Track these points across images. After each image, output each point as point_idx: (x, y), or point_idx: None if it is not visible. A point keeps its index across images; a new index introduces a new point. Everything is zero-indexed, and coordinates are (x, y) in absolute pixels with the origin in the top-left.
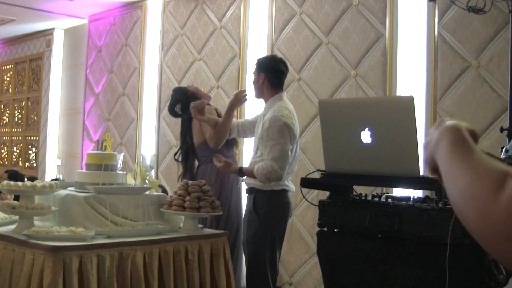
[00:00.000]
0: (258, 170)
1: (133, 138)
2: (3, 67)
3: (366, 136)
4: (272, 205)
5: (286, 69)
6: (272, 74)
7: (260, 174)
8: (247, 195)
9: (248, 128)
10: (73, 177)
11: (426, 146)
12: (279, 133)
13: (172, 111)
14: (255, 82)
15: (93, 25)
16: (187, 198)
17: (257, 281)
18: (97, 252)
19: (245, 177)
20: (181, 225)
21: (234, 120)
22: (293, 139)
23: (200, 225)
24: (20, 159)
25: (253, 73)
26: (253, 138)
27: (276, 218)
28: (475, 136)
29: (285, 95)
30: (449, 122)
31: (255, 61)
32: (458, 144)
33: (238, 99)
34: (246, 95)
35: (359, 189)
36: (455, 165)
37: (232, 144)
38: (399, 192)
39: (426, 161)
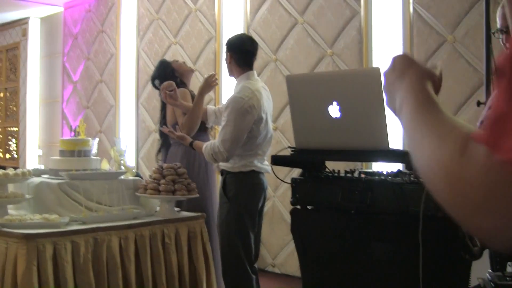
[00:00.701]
0: (206, 149)
1: (112, 125)
2: None
3: (334, 110)
4: (240, 187)
5: (254, 48)
6: (239, 53)
7: (207, 153)
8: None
9: (212, 114)
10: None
11: (386, 91)
12: (234, 114)
13: (153, 84)
14: (226, 61)
15: (68, 12)
16: (162, 181)
17: (232, 263)
18: (71, 238)
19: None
20: (157, 209)
21: (210, 107)
22: (254, 121)
23: (177, 208)
24: (1, 150)
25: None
26: None
27: (245, 199)
28: (438, 84)
29: (254, 74)
30: (412, 74)
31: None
32: (423, 106)
33: (208, 84)
34: (215, 79)
35: (334, 166)
36: (419, 130)
37: (207, 129)
38: (376, 167)
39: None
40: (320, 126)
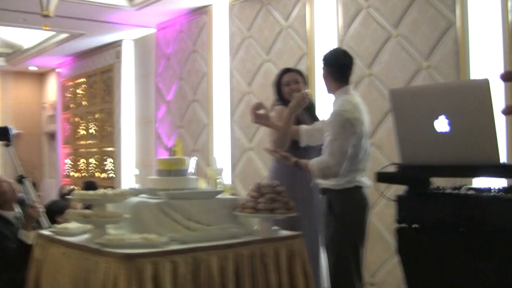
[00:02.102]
0: (313, 165)
1: (206, 144)
2: (76, 81)
3: (441, 125)
4: (347, 204)
5: (350, 62)
6: (335, 67)
7: (315, 169)
8: (320, 195)
9: (316, 132)
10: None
11: None
12: (339, 128)
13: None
14: (323, 77)
15: (160, 34)
16: (261, 199)
17: (344, 282)
18: (170, 258)
19: (318, 180)
20: (256, 228)
21: (303, 126)
22: (357, 135)
23: (275, 227)
24: (97, 170)
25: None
26: None
27: (353, 216)
28: None
29: (351, 88)
30: None
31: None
32: None
33: (298, 103)
34: (307, 98)
35: (437, 182)
36: None
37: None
38: (478, 183)
39: None
40: (426, 141)
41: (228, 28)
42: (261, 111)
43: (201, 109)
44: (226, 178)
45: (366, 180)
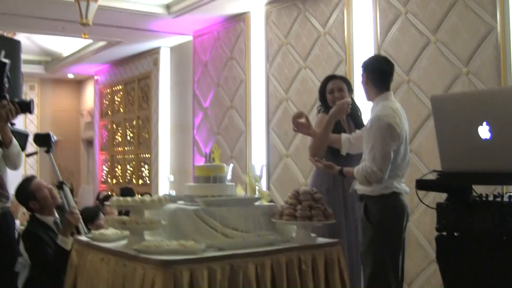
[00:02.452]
0: (357, 172)
1: (243, 150)
2: (114, 88)
3: (484, 131)
4: (384, 210)
5: (390, 68)
6: (375, 74)
7: (360, 175)
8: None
9: (357, 141)
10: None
11: None
12: (380, 134)
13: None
14: (362, 84)
15: (197, 41)
16: (299, 207)
17: None
18: (208, 265)
19: (356, 186)
20: (293, 235)
21: (344, 134)
22: (398, 140)
23: (313, 234)
24: (134, 176)
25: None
26: None
27: (391, 223)
28: None
29: (391, 94)
30: None
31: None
32: None
33: (339, 110)
34: (349, 105)
35: (478, 189)
36: None
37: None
38: None
39: None
40: (468, 148)
41: (265, 34)
42: (302, 120)
43: (238, 115)
44: (263, 185)
45: (404, 186)
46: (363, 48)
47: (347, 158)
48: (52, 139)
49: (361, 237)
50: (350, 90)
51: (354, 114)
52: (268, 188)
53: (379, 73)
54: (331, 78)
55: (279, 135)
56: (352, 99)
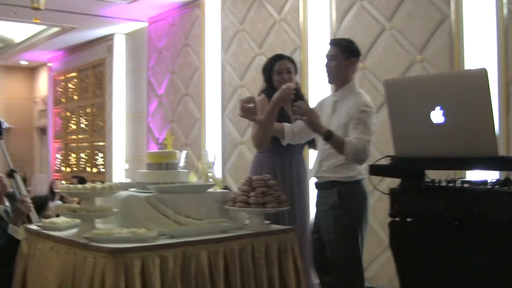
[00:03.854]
0: (349, 144)
1: (198, 138)
2: (67, 75)
3: (437, 116)
4: (359, 196)
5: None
6: (358, 59)
7: (352, 148)
8: (318, 190)
9: (303, 130)
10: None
11: None
12: (370, 119)
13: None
14: (342, 66)
15: (152, 27)
16: (252, 193)
17: (355, 280)
18: (159, 253)
19: (322, 173)
20: (247, 222)
21: (287, 124)
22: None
23: (267, 222)
24: (88, 165)
25: (333, 56)
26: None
27: (363, 208)
28: None
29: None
30: None
31: (334, 43)
32: None
33: (283, 96)
34: (294, 92)
35: (432, 175)
36: None
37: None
38: (473, 176)
39: None
40: (422, 132)
41: (221, 21)
42: (251, 105)
43: (193, 103)
44: (218, 173)
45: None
46: (318, 35)
47: (287, 149)
48: (3, 126)
49: (330, 224)
50: (296, 72)
51: (298, 100)
52: (223, 175)
53: (359, 58)
54: (278, 58)
55: (234, 122)
56: (297, 83)
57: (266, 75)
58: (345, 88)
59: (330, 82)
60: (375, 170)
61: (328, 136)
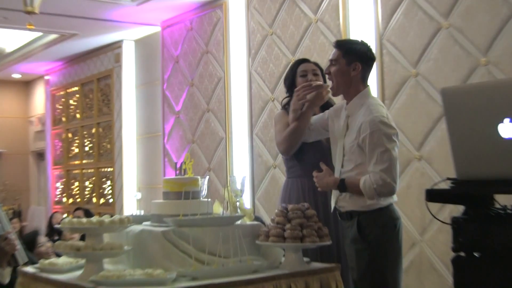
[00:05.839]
0: (365, 184)
1: (223, 161)
2: (68, 90)
3: (506, 129)
4: (382, 226)
5: (374, 57)
6: (367, 63)
7: (369, 189)
8: (341, 220)
9: (316, 129)
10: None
11: None
12: (386, 138)
13: None
14: (342, 74)
15: (167, 32)
16: (287, 226)
17: None
18: None
19: (340, 202)
20: (282, 260)
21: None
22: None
23: (306, 258)
24: (94, 194)
25: (333, 60)
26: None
27: (390, 239)
28: None
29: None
30: None
31: (337, 45)
32: None
33: (318, 96)
34: (329, 91)
35: (502, 200)
36: None
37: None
38: None
39: None
40: (488, 149)
41: (246, 23)
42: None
43: (216, 120)
44: (247, 202)
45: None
46: (362, 37)
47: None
48: None
49: (353, 261)
50: (324, 78)
51: (326, 105)
52: (253, 204)
53: (370, 62)
54: (302, 61)
55: (265, 142)
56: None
57: (289, 82)
58: (355, 100)
59: (333, 94)
60: (433, 195)
61: (342, 189)
